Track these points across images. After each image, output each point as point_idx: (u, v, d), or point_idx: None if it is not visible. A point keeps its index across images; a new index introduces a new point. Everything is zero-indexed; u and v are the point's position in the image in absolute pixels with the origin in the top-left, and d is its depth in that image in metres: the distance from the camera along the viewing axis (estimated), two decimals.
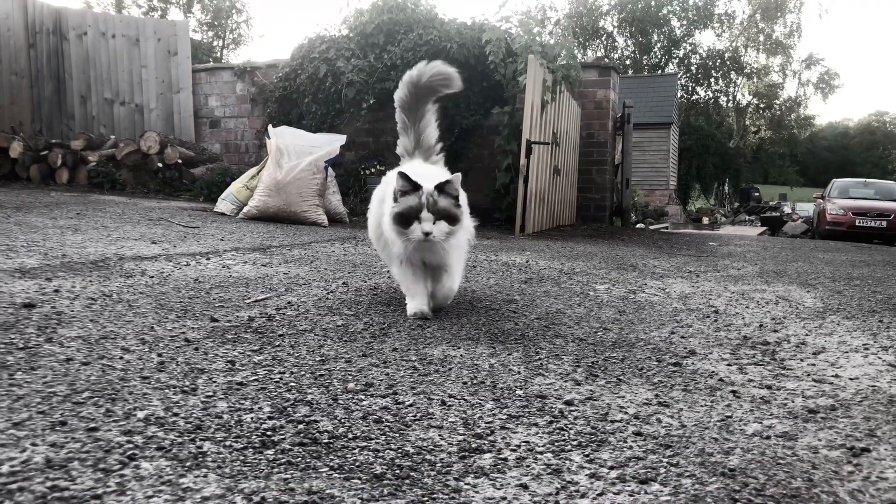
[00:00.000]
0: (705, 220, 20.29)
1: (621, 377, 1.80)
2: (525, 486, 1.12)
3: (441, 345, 2.02)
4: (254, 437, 1.25)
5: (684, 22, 35.08)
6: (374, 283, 3.07)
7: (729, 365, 1.98)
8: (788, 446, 1.36)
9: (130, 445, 1.17)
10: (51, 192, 7.07)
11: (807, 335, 2.45)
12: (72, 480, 1.03)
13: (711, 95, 36.21)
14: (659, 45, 35.76)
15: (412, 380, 1.67)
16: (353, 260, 3.80)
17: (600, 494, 1.11)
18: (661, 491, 1.13)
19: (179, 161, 8.18)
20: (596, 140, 8.48)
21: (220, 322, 2.13)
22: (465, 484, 1.12)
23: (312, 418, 1.37)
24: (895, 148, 59.06)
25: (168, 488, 1.03)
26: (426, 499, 1.06)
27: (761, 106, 38.92)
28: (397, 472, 1.15)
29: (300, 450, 1.21)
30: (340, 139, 6.20)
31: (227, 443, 1.22)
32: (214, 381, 1.55)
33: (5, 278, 2.49)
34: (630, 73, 32.52)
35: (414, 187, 2.19)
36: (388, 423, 1.37)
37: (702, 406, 1.59)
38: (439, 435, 1.33)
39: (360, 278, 3.17)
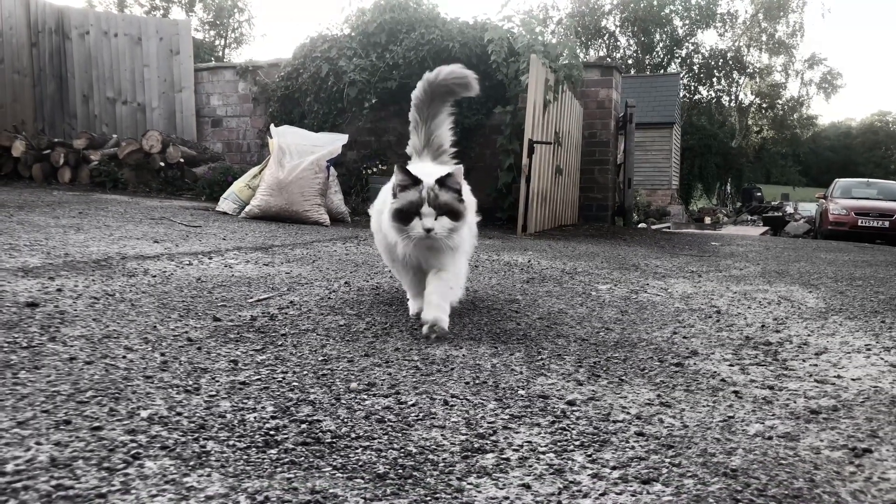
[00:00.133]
0: (707, 220, 20.27)
1: (623, 377, 1.80)
2: (527, 486, 1.13)
3: (443, 344, 2.03)
4: (257, 436, 1.26)
5: (687, 21, 35.03)
6: (376, 282, 3.07)
7: (731, 365, 1.98)
8: (790, 447, 1.36)
9: (134, 444, 1.18)
10: (53, 191, 7.08)
11: (809, 336, 2.45)
12: (76, 479, 1.04)
13: (714, 95, 36.15)
14: (661, 44, 35.71)
15: (414, 379, 1.67)
16: (354, 259, 3.80)
17: (602, 494, 1.11)
18: (664, 491, 1.13)
19: (181, 160, 8.18)
20: (598, 140, 8.48)
21: (222, 321, 2.13)
22: (468, 484, 1.12)
23: (315, 418, 1.37)
24: None
25: (172, 487, 1.04)
26: (429, 498, 1.06)
27: (764, 106, 38.85)
28: (400, 471, 1.15)
29: (303, 449, 1.22)
30: (342, 138, 6.21)
31: (231, 442, 1.22)
32: (217, 381, 1.55)
33: (9, 277, 2.49)
34: (632, 72, 32.48)
35: (414, 181, 2.08)
36: (391, 423, 1.37)
37: (704, 406, 1.59)
38: (442, 435, 1.33)
39: (362, 278, 3.18)
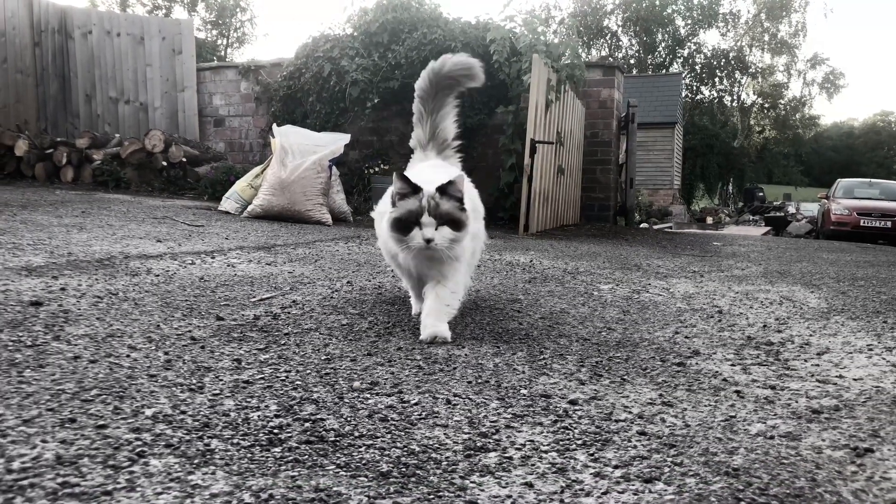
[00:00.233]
0: (709, 220, 20.27)
1: (625, 377, 1.81)
2: (530, 485, 1.13)
3: (446, 344, 2.03)
4: (261, 434, 1.26)
5: (689, 21, 35.02)
6: (379, 282, 3.08)
7: (733, 365, 1.99)
8: (792, 446, 1.36)
9: (139, 443, 1.18)
10: (56, 191, 7.10)
11: (811, 336, 2.45)
12: (82, 477, 1.04)
13: (716, 95, 36.15)
14: (663, 44, 35.70)
15: (417, 379, 1.68)
16: (357, 259, 3.81)
17: (605, 493, 1.12)
18: (666, 490, 1.14)
19: (184, 160, 8.19)
20: (600, 139, 8.48)
21: (225, 320, 2.14)
22: (471, 482, 1.13)
23: (319, 416, 1.38)
24: None
25: (177, 485, 1.04)
26: (432, 497, 1.07)
27: (766, 106, 38.83)
28: (403, 470, 1.16)
29: (307, 448, 1.22)
30: (344, 138, 6.22)
31: (235, 440, 1.23)
32: (221, 380, 1.56)
33: (12, 276, 2.50)
34: (634, 72, 32.48)
35: (413, 189, 2.00)
36: (394, 422, 1.38)
37: (706, 406, 1.60)
38: (444, 433, 1.33)
39: (365, 277, 3.18)
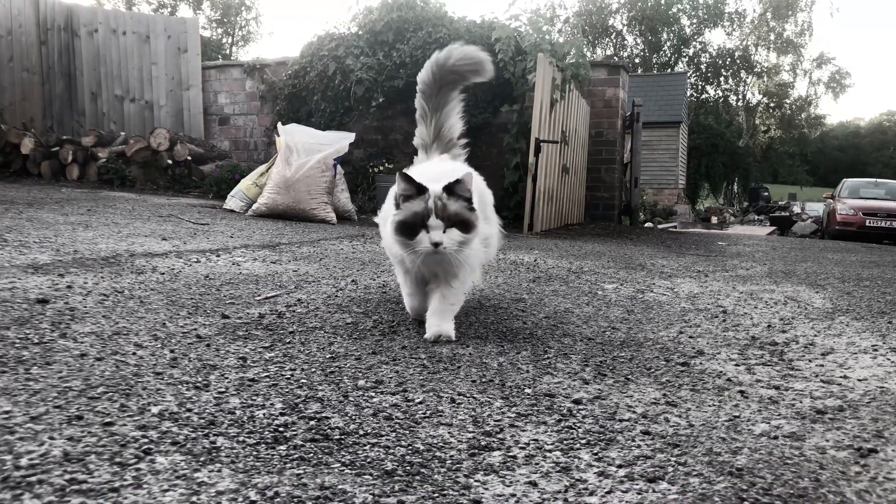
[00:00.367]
0: (714, 220, 20.24)
1: (629, 376, 1.81)
2: (534, 484, 1.14)
3: (450, 343, 2.04)
4: (266, 432, 1.27)
5: (694, 20, 34.95)
6: (383, 280, 3.09)
7: (737, 365, 1.99)
8: (796, 446, 1.36)
9: (145, 440, 1.19)
10: (61, 189, 7.12)
11: (815, 336, 2.45)
12: (89, 474, 1.05)
13: (721, 94, 36.08)
14: (668, 43, 35.64)
15: (421, 377, 1.68)
16: (361, 258, 3.82)
17: (609, 492, 1.12)
18: (669, 489, 1.14)
19: (189, 158, 8.22)
20: (605, 139, 8.47)
21: (230, 319, 2.15)
22: (475, 481, 1.14)
23: (323, 415, 1.38)
24: None
25: (183, 482, 1.05)
26: (436, 495, 1.08)
27: (771, 105, 38.75)
28: (408, 468, 1.16)
29: (312, 446, 1.23)
30: (349, 137, 6.23)
31: (241, 438, 1.24)
32: (226, 378, 1.57)
33: (19, 274, 2.52)
34: (639, 71, 32.43)
35: (419, 190, 1.90)
36: (399, 420, 1.38)
37: (710, 406, 1.60)
38: (449, 432, 1.34)
39: (369, 276, 3.19)
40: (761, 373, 1.92)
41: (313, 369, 1.69)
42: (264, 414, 1.36)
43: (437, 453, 1.24)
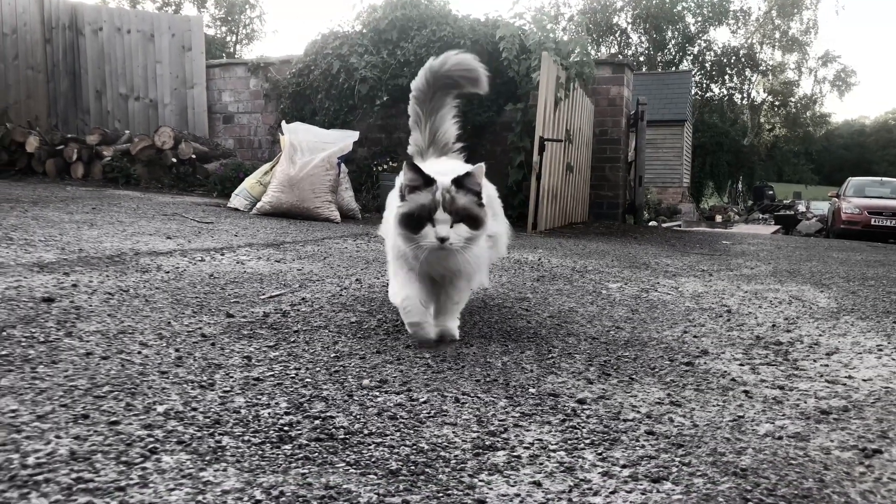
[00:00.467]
0: (718, 219, 20.20)
1: (633, 376, 1.81)
2: (538, 484, 1.14)
3: (454, 342, 2.04)
4: (271, 432, 1.28)
5: (699, 18, 34.85)
6: (387, 279, 3.08)
7: (741, 365, 1.99)
8: (800, 447, 1.36)
9: (151, 439, 1.20)
10: (66, 187, 7.14)
11: (820, 335, 2.44)
12: (96, 472, 1.06)
13: (726, 92, 35.98)
14: (673, 41, 35.54)
15: (426, 377, 1.68)
16: (365, 256, 3.82)
17: (613, 492, 1.12)
18: (674, 490, 1.14)
19: (193, 156, 8.23)
20: (609, 137, 8.46)
21: (235, 318, 2.15)
22: (480, 480, 1.14)
23: (328, 414, 1.39)
24: None
25: (189, 481, 1.06)
26: (441, 495, 1.08)
27: (776, 103, 38.61)
28: (412, 468, 1.17)
29: (317, 445, 1.23)
30: (353, 135, 6.23)
31: (246, 437, 1.24)
32: (231, 377, 1.57)
33: (25, 272, 2.53)
34: (644, 69, 32.36)
35: (426, 181, 1.81)
36: (403, 420, 1.39)
37: (714, 406, 1.60)
38: (453, 432, 1.34)
39: (373, 275, 3.19)
40: (766, 373, 1.91)
41: (318, 368, 1.69)
42: (269, 413, 1.37)
43: (442, 453, 1.24)
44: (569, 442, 1.33)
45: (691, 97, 26.69)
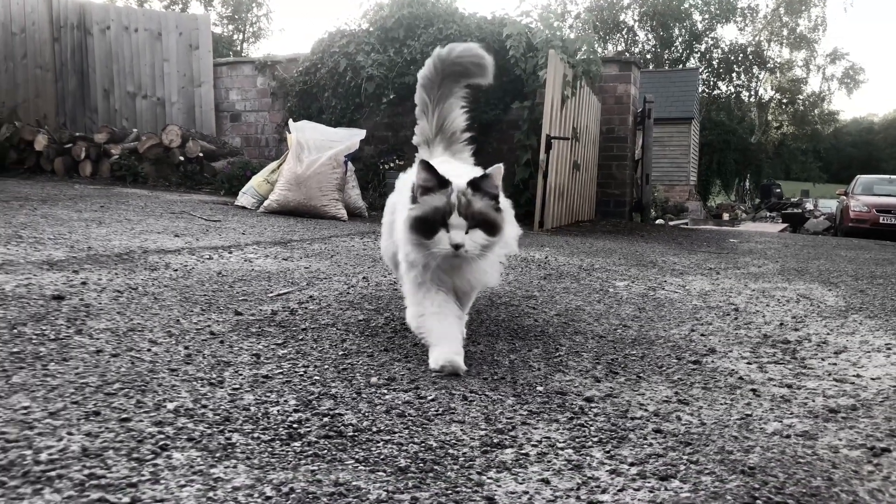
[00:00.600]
0: (726, 217, 20.14)
1: (641, 374, 1.81)
2: (546, 481, 1.14)
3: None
4: (280, 429, 1.28)
5: (706, 16, 34.73)
6: (394, 278, 3.09)
7: (749, 363, 1.99)
8: (808, 445, 1.36)
9: (162, 436, 1.21)
10: (75, 185, 7.18)
11: (828, 334, 2.44)
12: (107, 469, 1.07)
13: (733, 90, 35.83)
14: (680, 39, 35.43)
15: (433, 375, 1.69)
16: (372, 255, 3.83)
17: (621, 490, 1.13)
18: (681, 488, 1.14)
19: (201, 154, 8.26)
20: (616, 135, 8.44)
21: (243, 315, 2.16)
22: (488, 478, 1.14)
23: (337, 411, 1.39)
24: None
25: (199, 478, 1.06)
26: (450, 492, 1.08)
27: (784, 101, 38.45)
28: (421, 465, 1.17)
29: (326, 442, 1.24)
30: (360, 134, 6.24)
31: (255, 434, 1.25)
32: (241, 374, 1.58)
33: (34, 270, 2.54)
34: (651, 67, 32.28)
35: (441, 183, 1.68)
36: (411, 418, 1.39)
37: (721, 404, 1.60)
38: (461, 430, 1.35)
39: (380, 273, 3.20)
40: (773, 371, 1.91)
41: (326, 366, 1.70)
42: (278, 410, 1.38)
43: (450, 450, 1.24)
44: (577, 440, 1.33)
45: (698, 95, 26.62)
